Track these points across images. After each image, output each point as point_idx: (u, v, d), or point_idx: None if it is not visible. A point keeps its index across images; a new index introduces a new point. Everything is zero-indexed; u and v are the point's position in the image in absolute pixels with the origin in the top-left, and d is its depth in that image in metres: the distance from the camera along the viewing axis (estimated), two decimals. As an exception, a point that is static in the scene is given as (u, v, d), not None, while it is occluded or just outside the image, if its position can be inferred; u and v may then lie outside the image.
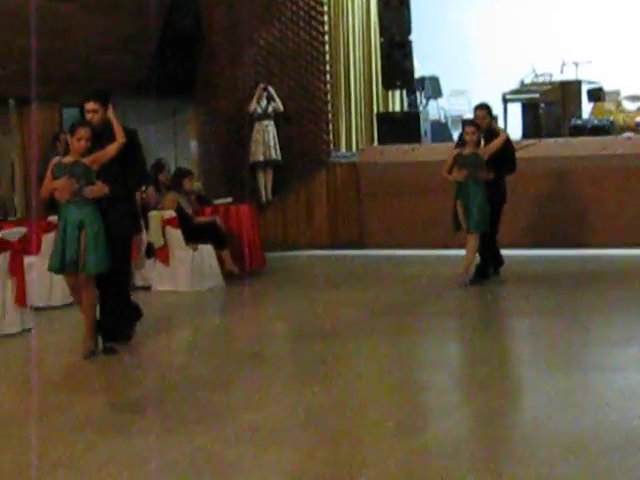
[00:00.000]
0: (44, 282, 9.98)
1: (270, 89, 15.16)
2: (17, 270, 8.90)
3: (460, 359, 7.71)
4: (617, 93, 14.87)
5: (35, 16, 11.39)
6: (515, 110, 14.56)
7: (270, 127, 15.07)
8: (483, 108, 10.96)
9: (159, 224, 11.43)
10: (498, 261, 11.10)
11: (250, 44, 15.54)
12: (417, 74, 15.45)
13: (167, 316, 10.16)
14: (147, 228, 11.53)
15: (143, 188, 11.36)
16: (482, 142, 10.69)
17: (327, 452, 5.32)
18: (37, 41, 11.63)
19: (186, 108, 16.39)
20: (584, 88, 14.69)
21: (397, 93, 16.13)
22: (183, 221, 11.49)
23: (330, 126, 15.63)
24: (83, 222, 7.57)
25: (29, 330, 8.93)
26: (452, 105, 16.38)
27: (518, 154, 11.27)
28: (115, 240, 7.74)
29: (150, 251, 11.48)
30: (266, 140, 15.04)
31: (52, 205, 8.42)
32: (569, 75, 14.69)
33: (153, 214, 11.56)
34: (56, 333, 9.22)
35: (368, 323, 9.17)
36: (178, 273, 11.40)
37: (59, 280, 8.89)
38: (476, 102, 11.56)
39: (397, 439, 5.57)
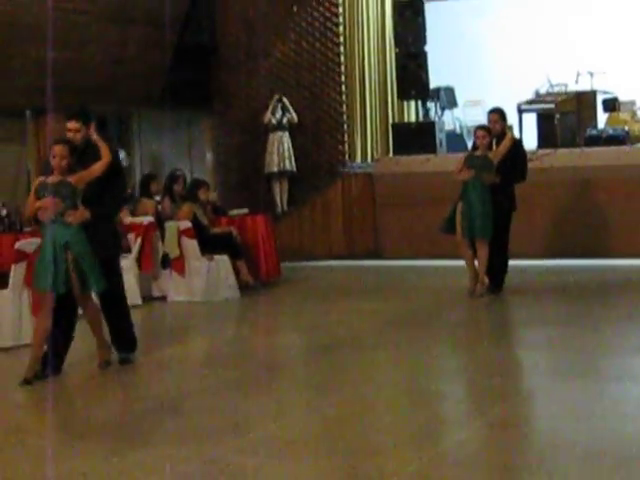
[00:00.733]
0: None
1: (285, 100, 15.21)
2: (33, 281, 8.90)
3: (476, 369, 7.67)
4: (632, 103, 14.84)
5: (51, 27, 11.46)
6: (530, 120, 14.53)
7: (285, 138, 15.13)
8: (495, 112, 10.86)
9: (175, 235, 11.45)
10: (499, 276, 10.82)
11: (265, 55, 15.60)
12: (432, 85, 15.47)
13: (183, 326, 10.19)
14: (163, 238, 11.58)
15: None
16: (494, 147, 10.66)
17: (344, 463, 5.30)
18: (53, 52, 11.71)
19: (201, 119, 16.48)
20: (599, 98, 14.66)
21: (412, 103, 16.15)
22: (199, 232, 11.51)
23: (345, 137, 15.66)
24: (69, 243, 7.32)
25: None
26: (467, 115, 16.35)
27: (533, 164, 11.20)
28: (102, 263, 7.52)
29: (166, 262, 11.51)
30: (280, 151, 15.09)
31: (37, 223, 8.13)
32: (584, 85, 14.65)
33: (169, 225, 11.59)
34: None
35: (384, 333, 9.16)
36: (194, 283, 11.42)
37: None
38: (491, 113, 11.53)
39: (414, 449, 5.56)
